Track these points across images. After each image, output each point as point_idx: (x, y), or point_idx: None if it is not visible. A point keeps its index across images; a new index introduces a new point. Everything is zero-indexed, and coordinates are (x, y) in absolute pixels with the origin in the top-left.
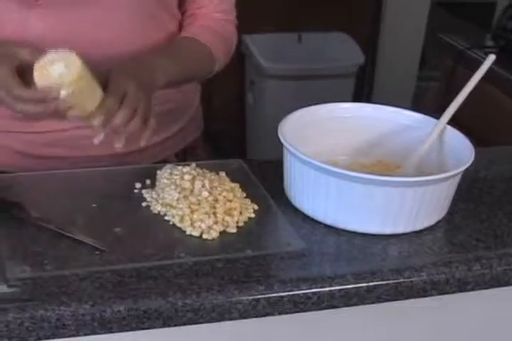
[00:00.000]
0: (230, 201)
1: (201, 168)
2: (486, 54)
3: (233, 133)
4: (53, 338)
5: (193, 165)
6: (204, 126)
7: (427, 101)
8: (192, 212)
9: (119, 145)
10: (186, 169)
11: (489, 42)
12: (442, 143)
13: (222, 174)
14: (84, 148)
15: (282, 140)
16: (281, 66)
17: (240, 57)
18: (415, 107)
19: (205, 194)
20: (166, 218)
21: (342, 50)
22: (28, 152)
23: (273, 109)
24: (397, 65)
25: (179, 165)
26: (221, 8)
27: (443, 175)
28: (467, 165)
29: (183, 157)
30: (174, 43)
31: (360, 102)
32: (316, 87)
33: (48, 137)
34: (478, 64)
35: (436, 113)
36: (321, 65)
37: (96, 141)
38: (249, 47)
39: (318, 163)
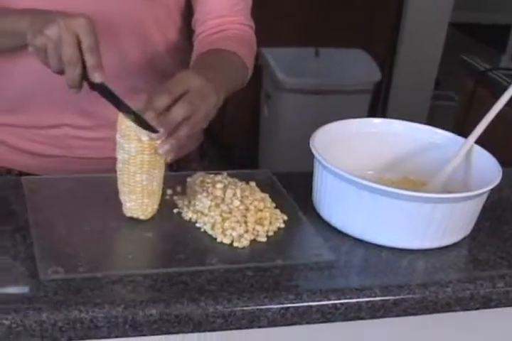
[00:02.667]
0: (261, 210)
1: (232, 177)
2: (507, 76)
3: (246, 145)
4: (85, 339)
5: (225, 174)
6: (216, 137)
7: (442, 121)
8: (223, 220)
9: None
10: (218, 177)
11: (506, 64)
12: (469, 162)
13: (253, 184)
14: (76, 149)
15: (314, 152)
16: (298, 80)
17: (256, 70)
18: (430, 126)
19: (237, 203)
20: (198, 225)
21: (359, 66)
22: (30, 150)
23: (288, 122)
24: (413, 83)
25: (210, 173)
26: (242, 13)
27: (472, 193)
28: (495, 183)
29: (175, 169)
30: (212, 57)
31: None
32: (332, 103)
33: (49, 134)
34: (498, 85)
35: (452, 132)
36: (337, 80)
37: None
38: (266, 60)
39: (349, 176)
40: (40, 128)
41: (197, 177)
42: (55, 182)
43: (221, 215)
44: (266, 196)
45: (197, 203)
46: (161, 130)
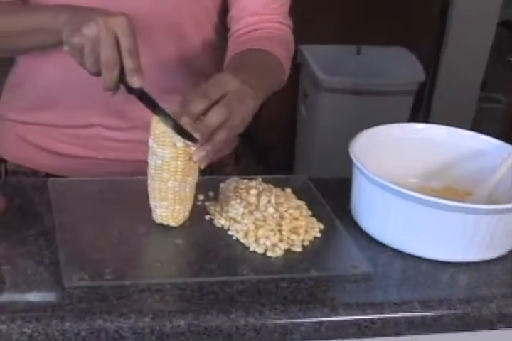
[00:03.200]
0: (296, 219)
1: (266, 183)
2: None
3: (282, 146)
4: None
5: (259, 179)
6: (251, 138)
7: (489, 124)
8: (257, 228)
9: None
10: (252, 183)
11: None
12: None
13: (288, 190)
14: (107, 150)
15: (353, 158)
16: (338, 79)
17: (294, 68)
18: (475, 130)
19: (271, 210)
20: (230, 233)
21: (402, 65)
22: (58, 150)
23: (325, 123)
24: (458, 84)
25: (244, 178)
26: (279, 11)
27: None
28: None
29: (209, 173)
30: (249, 58)
31: (417, 122)
32: (372, 104)
33: (80, 134)
34: None
35: (497, 137)
36: (379, 80)
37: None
38: (305, 57)
39: (389, 185)
40: (71, 127)
41: (230, 183)
42: (83, 184)
43: (254, 223)
44: (302, 203)
45: (230, 210)
46: (197, 135)
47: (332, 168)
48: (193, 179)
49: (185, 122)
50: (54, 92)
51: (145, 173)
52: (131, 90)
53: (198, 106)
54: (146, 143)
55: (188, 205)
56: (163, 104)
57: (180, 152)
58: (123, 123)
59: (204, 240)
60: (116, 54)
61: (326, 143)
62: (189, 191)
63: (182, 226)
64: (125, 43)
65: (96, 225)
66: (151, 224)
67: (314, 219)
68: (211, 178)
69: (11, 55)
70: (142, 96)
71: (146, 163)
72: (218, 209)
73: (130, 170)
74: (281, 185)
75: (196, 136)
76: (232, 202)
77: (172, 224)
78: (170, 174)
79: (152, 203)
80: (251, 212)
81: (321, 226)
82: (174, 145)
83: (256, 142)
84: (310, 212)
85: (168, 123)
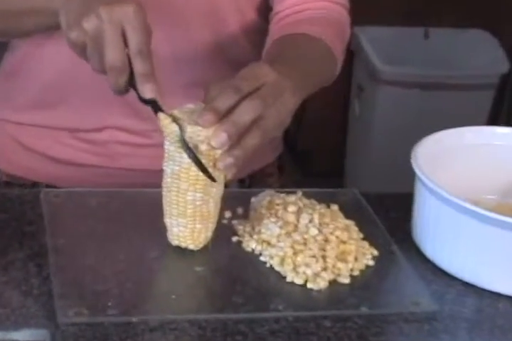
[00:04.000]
0: (344, 243)
1: (308, 198)
2: None
3: (328, 152)
4: None
5: (299, 193)
6: (291, 142)
7: None
8: (295, 253)
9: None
10: (291, 198)
11: None
12: None
13: (335, 207)
14: (121, 157)
15: (416, 170)
16: (401, 70)
17: (347, 55)
18: None
19: (314, 231)
20: (262, 258)
21: (480, 53)
22: (61, 157)
23: (385, 123)
24: None
25: (281, 192)
26: None
27: None
28: None
29: (248, 185)
30: (291, 45)
31: (498, 124)
32: (443, 100)
33: (88, 138)
34: None
35: None
36: (451, 71)
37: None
38: (360, 42)
39: (461, 203)
40: (80, 130)
41: (263, 197)
42: (83, 196)
43: (293, 247)
44: (352, 224)
45: (262, 230)
46: (223, 135)
47: (390, 180)
48: (217, 191)
49: (208, 120)
50: (60, 86)
51: (157, 185)
52: (142, 98)
53: (226, 101)
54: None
55: (212, 224)
56: (191, 101)
57: (202, 156)
58: (143, 126)
59: (230, 267)
60: (122, 55)
61: (384, 149)
62: (213, 206)
63: (203, 249)
64: (134, 41)
65: (98, 248)
66: (166, 247)
67: (366, 243)
68: (240, 191)
69: (7, 40)
70: (156, 109)
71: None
72: (248, 229)
73: (150, 181)
74: (326, 200)
75: (219, 139)
76: (266, 221)
77: (191, 246)
78: (189, 184)
79: (167, 220)
80: (289, 234)
81: (375, 252)
82: (195, 147)
83: (296, 147)
84: (361, 235)
85: (184, 148)
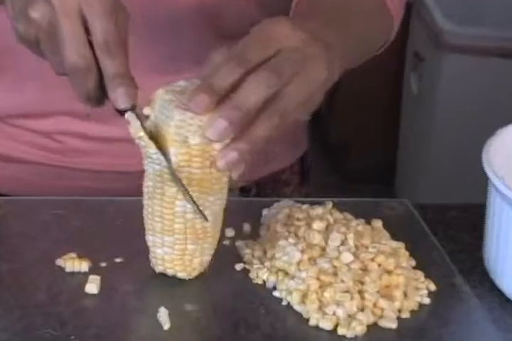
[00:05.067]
0: (390, 273)
1: (341, 212)
2: None
3: (373, 146)
4: None
5: (329, 204)
6: (321, 133)
7: None
8: (322, 287)
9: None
10: (317, 211)
11: None
12: None
13: (378, 224)
14: (74, 154)
15: (489, 173)
16: (473, 31)
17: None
18: None
19: (348, 257)
20: (277, 294)
21: None
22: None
23: (452, 104)
24: None
25: (303, 202)
26: None
27: None
28: None
29: (255, 194)
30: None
31: None
32: None
33: (30, 126)
34: None
35: None
36: None
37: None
38: None
39: None
40: (21, 116)
41: (279, 210)
42: (32, 207)
43: (319, 279)
44: (400, 247)
45: (278, 255)
46: (222, 123)
47: (455, 187)
48: (217, 200)
49: (201, 103)
50: None
51: (135, 192)
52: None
53: (226, 77)
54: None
55: (209, 245)
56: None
57: (194, 152)
58: (105, 112)
59: (233, 305)
60: (84, 50)
61: (450, 142)
62: (212, 220)
63: (197, 280)
64: (98, 30)
65: (52, 276)
66: (147, 277)
67: (420, 274)
68: (247, 201)
69: None
70: (131, 120)
71: (140, 175)
72: (258, 253)
73: (119, 187)
74: (366, 214)
75: (213, 134)
76: (283, 243)
77: (181, 275)
78: (177, 188)
79: (149, 238)
80: (313, 260)
81: (432, 287)
82: (185, 141)
83: (327, 139)
84: (414, 262)
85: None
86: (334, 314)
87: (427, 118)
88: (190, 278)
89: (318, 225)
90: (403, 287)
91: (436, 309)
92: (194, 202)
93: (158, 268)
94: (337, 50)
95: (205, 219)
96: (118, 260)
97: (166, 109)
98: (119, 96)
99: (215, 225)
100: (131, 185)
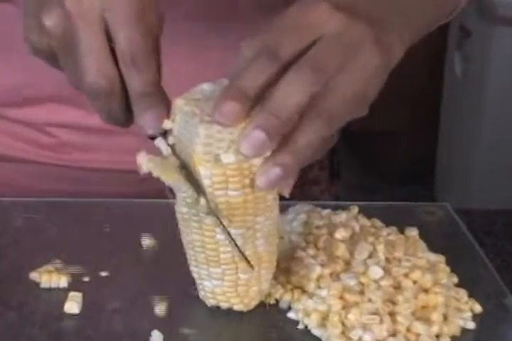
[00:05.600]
0: (427, 291)
1: (369, 218)
2: None
3: (409, 139)
4: None
5: (355, 209)
6: (345, 128)
7: None
8: (346, 307)
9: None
10: (340, 217)
11: None
12: None
13: (413, 233)
14: (61, 148)
15: None
16: None
17: None
18: None
19: (377, 272)
20: (292, 315)
21: None
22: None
23: (507, 89)
24: None
25: (323, 206)
26: None
27: None
28: None
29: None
30: None
31: None
32: None
33: (13, 115)
34: None
35: None
36: None
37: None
38: None
39: None
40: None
41: (295, 216)
42: (4, 210)
43: (342, 297)
44: (440, 260)
45: (293, 269)
46: (258, 135)
47: (507, 188)
48: (267, 220)
49: (230, 114)
50: None
51: (133, 193)
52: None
53: (258, 76)
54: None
55: (267, 270)
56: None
57: (230, 172)
58: None
59: (238, 329)
60: (107, 67)
61: (500, 136)
62: (264, 243)
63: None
64: (122, 40)
65: (13, 292)
66: (135, 293)
67: (464, 292)
68: None
69: None
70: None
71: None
72: None
73: (113, 188)
74: (399, 221)
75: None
76: (300, 255)
77: (238, 307)
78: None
79: (194, 270)
80: (335, 276)
81: (477, 308)
82: (216, 160)
83: (354, 132)
84: (456, 278)
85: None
86: (360, 340)
87: (473, 107)
88: (249, 308)
89: (341, 234)
90: (442, 308)
91: (482, 335)
92: (236, 246)
93: (210, 302)
94: (392, 26)
95: (251, 266)
96: (103, 274)
97: (189, 124)
98: (146, 121)
99: (269, 248)
100: (136, 187)
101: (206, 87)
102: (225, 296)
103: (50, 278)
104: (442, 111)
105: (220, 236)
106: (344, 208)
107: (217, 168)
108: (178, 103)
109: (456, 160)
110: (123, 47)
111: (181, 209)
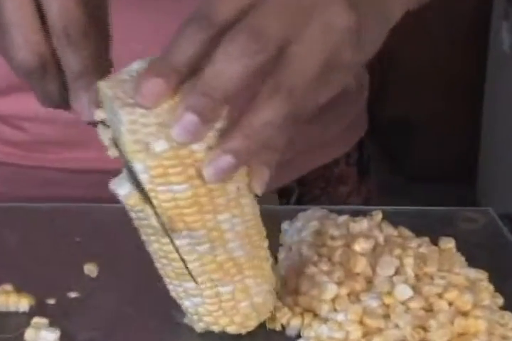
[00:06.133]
0: (465, 315)
1: (395, 226)
2: None
3: (446, 132)
4: None
5: (378, 215)
6: (371, 120)
7: None
8: (368, 334)
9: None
10: (359, 225)
11: None
12: None
13: (449, 244)
14: (32, 146)
15: None
16: None
17: None
18: None
19: (405, 292)
20: None
21: None
22: None
23: None
24: None
25: (340, 211)
26: None
27: None
28: None
29: (297, 200)
30: None
31: None
32: None
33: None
34: None
35: None
36: None
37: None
38: None
39: None
40: None
41: (306, 223)
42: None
43: (363, 323)
44: (481, 277)
45: (303, 288)
46: (189, 117)
47: None
48: (235, 217)
49: (151, 91)
50: None
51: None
52: None
53: (187, 47)
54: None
55: (255, 279)
56: None
57: (167, 162)
58: None
59: None
60: (37, 42)
61: None
62: (241, 246)
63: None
64: (54, 11)
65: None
66: (112, 319)
67: (510, 316)
68: (263, 210)
69: None
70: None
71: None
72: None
73: (97, 193)
74: (432, 228)
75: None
76: (311, 271)
77: (231, 329)
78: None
79: (170, 288)
80: (355, 296)
81: None
82: (147, 148)
83: (382, 124)
84: (500, 299)
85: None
86: None
87: None
88: (249, 330)
89: (361, 246)
90: (485, 335)
91: None
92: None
93: (199, 326)
94: None
95: (195, 281)
96: (73, 295)
97: (113, 111)
98: (82, 106)
99: (251, 252)
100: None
101: (136, 65)
102: (212, 316)
103: (8, 300)
104: (486, 95)
105: (178, 242)
106: (365, 214)
107: (152, 159)
108: (101, 87)
109: (503, 156)
110: (54, 17)
111: (132, 215)
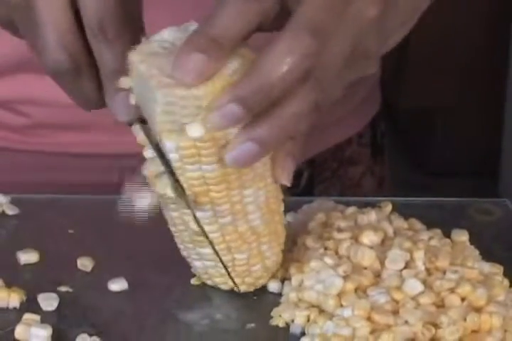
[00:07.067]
0: (479, 311)
1: (406, 218)
2: None
3: (465, 124)
4: None
5: (388, 206)
6: (386, 111)
7: None
8: (376, 331)
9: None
10: (368, 217)
11: None
12: None
13: (461, 237)
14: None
15: None
16: None
17: None
18: None
19: (415, 287)
20: None
21: None
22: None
23: None
24: None
25: (347, 202)
26: None
27: None
28: None
29: (306, 185)
30: None
31: None
32: None
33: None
34: None
35: None
36: None
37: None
38: None
39: None
40: None
41: (311, 215)
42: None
43: (370, 319)
44: (496, 271)
45: (308, 283)
46: (233, 106)
47: None
48: (259, 190)
49: (194, 68)
50: None
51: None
52: None
53: (233, 23)
54: None
55: (270, 244)
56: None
57: (200, 144)
58: None
59: None
60: (71, 41)
61: None
62: (259, 215)
63: (188, 320)
64: (89, 7)
65: None
66: (109, 315)
67: None
68: None
69: None
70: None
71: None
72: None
73: (102, 179)
74: (444, 220)
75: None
76: (316, 264)
77: (240, 289)
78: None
79: (180, 247)
80: (362, 291)
81: None
82: (182, 130)
83: (397, 115)
84: None
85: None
86: None
87: None
88: (256, 288)
89: (370, 238)
90: (500, 332)
91: None
92: (217, 255)
93: (207, 282)
94: None
95: (237, 287)
96: (63, 289)
97: (146, 88)
98: (118, 105)
99: (268, 219)
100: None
101: (167, 34)
102: (224, 278)
103: None
104: (509, 84)
105: (200, 214)
106: (374, 205)
107: (185, 140)
108: (133, 58)
109: None
110: (89, 12)
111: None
